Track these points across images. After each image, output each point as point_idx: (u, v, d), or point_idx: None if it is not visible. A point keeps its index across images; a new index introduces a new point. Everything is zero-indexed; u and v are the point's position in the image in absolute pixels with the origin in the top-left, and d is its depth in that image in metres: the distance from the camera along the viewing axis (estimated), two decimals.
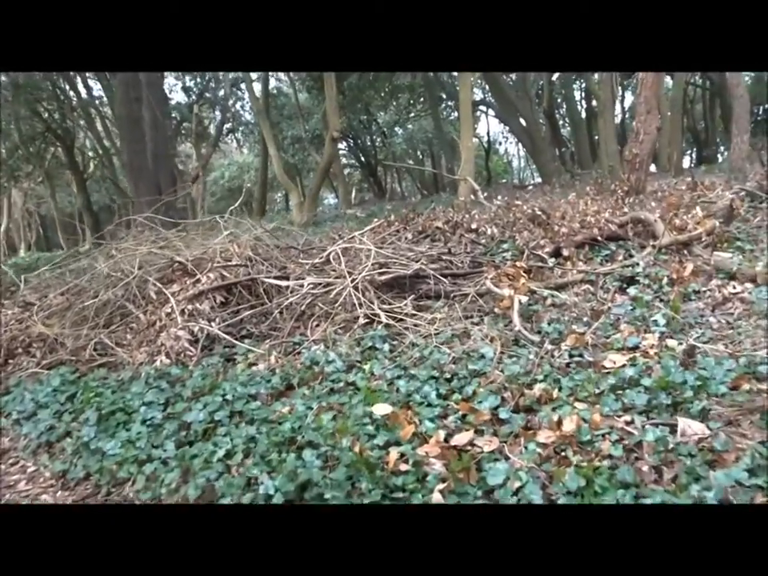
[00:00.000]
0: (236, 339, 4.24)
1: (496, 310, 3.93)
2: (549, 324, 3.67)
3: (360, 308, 4.16)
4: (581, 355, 3.15)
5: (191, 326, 4.19)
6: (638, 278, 4.23)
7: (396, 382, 3.09)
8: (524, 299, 3.75)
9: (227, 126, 26.59)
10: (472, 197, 7.54)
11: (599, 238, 5.19)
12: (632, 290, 4.04)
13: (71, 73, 19.59)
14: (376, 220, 6.40)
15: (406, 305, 4.22)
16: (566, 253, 5.00)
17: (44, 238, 33.42)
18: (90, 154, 25.17)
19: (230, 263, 4.86)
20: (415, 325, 3.92)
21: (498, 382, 2.89)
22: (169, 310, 4.40)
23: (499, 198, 6.84)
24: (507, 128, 29.73)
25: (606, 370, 2.94)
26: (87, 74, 20.19)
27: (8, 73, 18.14)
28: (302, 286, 4.38)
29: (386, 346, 3.64)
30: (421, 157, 34.97)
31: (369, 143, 29.53)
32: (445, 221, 6.08)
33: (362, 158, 30.01)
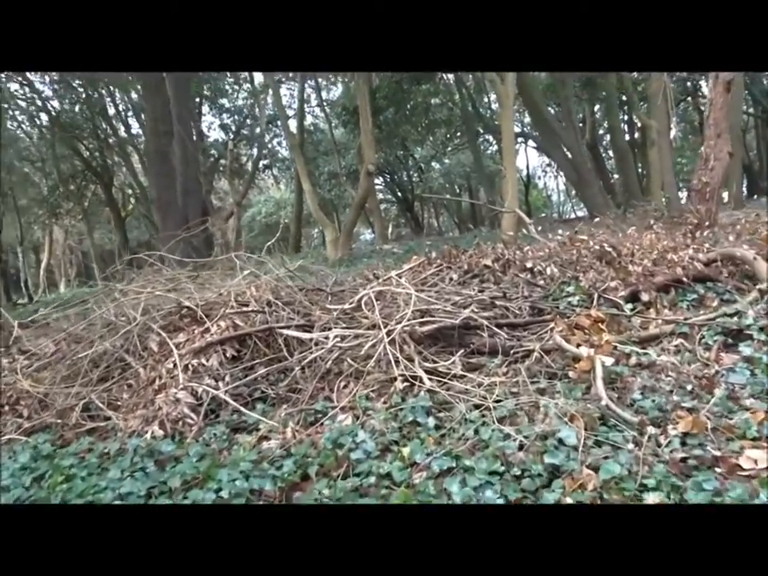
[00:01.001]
0: (248, 402, 3.52)
1: (570, 373, 3.10)
2: (642, 394, 2.83)
3: (397, 366, 3.38)
4: (701, 444, 2.30)
5: (194, 386, 3.48)
6: (748, 332, 3.35)
7: (445, 479, 2.29)
8: (608, 361, 2.92)
9: (264, 162, 26.59)
10: (524, 231, 6.74)
11: (684, 279, 4.32)
12: (745, 348, 3.17)
13: (111, 111, 19.84)
14: (415, 257, 5.66)
15: (453, 363, 3.43)
16: (645, 297, 4.15)
17: (85, 275, 33.88)
18: (129, 191, 25.41)
19: (245, 309, 4.16)
20: (466, 390, 3.13)
21: (590, 488, 2.07)
22: (171, 366, 3.71)
23: (560, 233, 6.02)
24: (549, 160, 29.05)
25: (745, 473, 2.09)
26: (127, 112, 20.41)
27: (48, 111, 18.44)
28: (327, 338, 3.64)
29: (431, 421, 2.85)
30: (458, 191, 34.37)
31: (405, 178, 29.13)
32: (494, 258, 5.28)
33: (399, 193, 29.59)
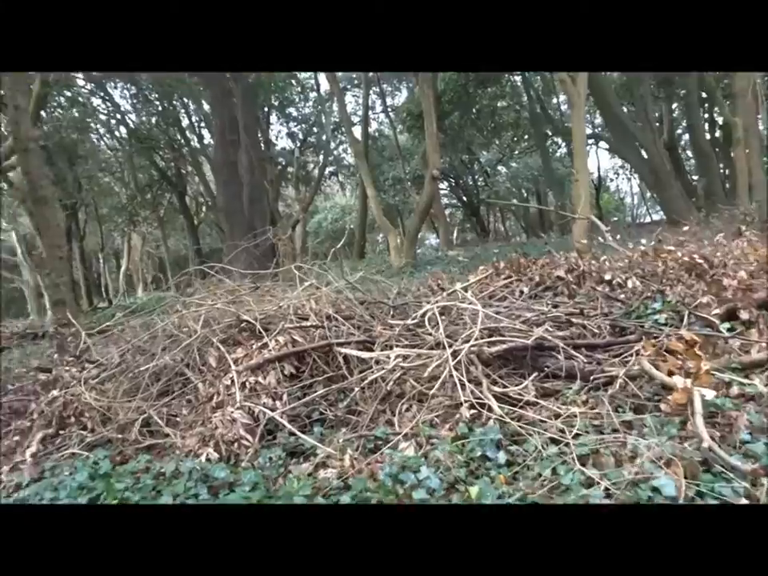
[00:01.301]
0: (305, 425, 3.36)
1: (662, 405, 2.74)
2: (750, 434, 2.45)
3: (463, 390, 3.12)
4: None
5: (251, 405, 3.35)
6: None
7: None
8: (710, 394, 2.55)
9: (329, 169, 26.84)
10: (599, 239, 6.30)
11: None
12: None
13: (184, 123, 20.51)
14: (482, 268, 5.37)
15: (525, 388, 3.14)
16: (744, 315, 3.70)
17: (163, 279, 35.31)
18: (201, 199, 26.26)
19: (304, 323, 4.01)
20: (541, 420, 2.83)
21: None
22: (228, 382, 3.60)
23: (642, 242, 5.57)
24: (622, 162, 27.86)
25: None
26: (200, 123, 21.04)
27: (127, 124, 19.24)
28: (388, 357, 3.43)
29: (502, 456, 2.57)
30: (525, 195, 33.55)
31: (470, 182, 28.69)
32: (568, 269, 4.92)
33: (464, 198, 29.18)
